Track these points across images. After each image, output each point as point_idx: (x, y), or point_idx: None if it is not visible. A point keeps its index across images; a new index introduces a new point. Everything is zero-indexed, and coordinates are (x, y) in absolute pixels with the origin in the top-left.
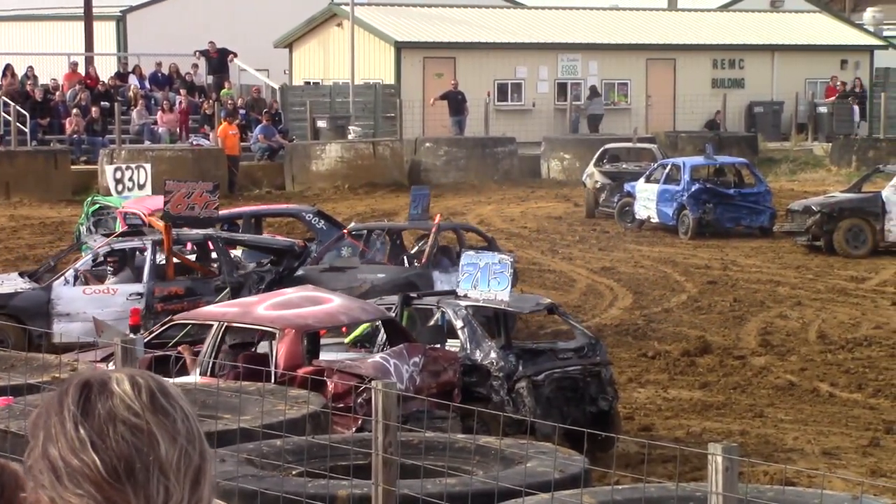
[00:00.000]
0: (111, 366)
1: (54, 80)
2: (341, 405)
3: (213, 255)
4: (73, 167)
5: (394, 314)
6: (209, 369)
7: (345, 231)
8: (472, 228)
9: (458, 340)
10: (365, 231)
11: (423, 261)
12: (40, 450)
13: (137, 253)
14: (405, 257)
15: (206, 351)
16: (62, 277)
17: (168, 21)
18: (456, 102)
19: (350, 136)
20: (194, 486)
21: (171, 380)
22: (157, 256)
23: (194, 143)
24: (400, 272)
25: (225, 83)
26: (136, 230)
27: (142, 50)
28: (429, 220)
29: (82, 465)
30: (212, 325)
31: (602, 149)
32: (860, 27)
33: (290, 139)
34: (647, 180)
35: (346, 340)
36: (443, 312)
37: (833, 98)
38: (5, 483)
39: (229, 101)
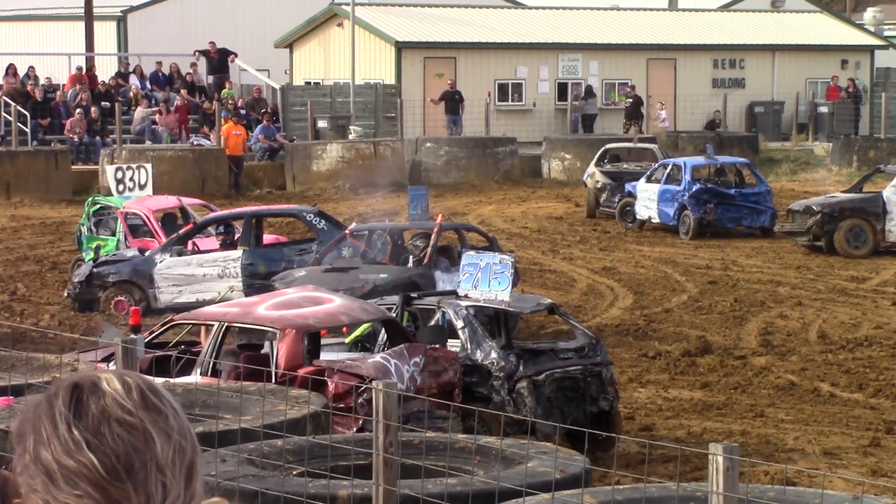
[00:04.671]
0: (111, 366)
1: (48, 78)
2: (342, 405)
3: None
4: (73, 167)
5: (394, 314)
6: (209, 369)
7: (346, 231)
8: (474, 228)
9: (459, 340)
10: (366, 231)
11: (426, 260)
12: (31, 454)
13: None
14: (410, 256)
15: (207, 351)
16: None
17: (168, 21)
18: (453, 102)
19: (351, 136)
20: (188, 480)
21: (173, 380)
22: None
23: (194, 143)
24: (402, 272)
25: (226, 83)
26: None
27: (142, 50)
28: (430, 220)
29: (79, 466)
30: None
31: (603, 149)
32: (861, 27)
33: (291, 139)
34: (648, 180)
35: (347, 340)
36: (443, 312)
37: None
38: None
39: (230, 101)
